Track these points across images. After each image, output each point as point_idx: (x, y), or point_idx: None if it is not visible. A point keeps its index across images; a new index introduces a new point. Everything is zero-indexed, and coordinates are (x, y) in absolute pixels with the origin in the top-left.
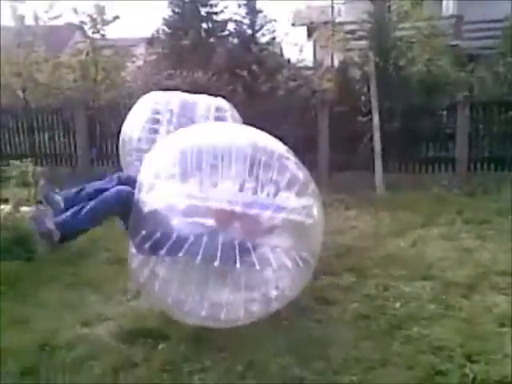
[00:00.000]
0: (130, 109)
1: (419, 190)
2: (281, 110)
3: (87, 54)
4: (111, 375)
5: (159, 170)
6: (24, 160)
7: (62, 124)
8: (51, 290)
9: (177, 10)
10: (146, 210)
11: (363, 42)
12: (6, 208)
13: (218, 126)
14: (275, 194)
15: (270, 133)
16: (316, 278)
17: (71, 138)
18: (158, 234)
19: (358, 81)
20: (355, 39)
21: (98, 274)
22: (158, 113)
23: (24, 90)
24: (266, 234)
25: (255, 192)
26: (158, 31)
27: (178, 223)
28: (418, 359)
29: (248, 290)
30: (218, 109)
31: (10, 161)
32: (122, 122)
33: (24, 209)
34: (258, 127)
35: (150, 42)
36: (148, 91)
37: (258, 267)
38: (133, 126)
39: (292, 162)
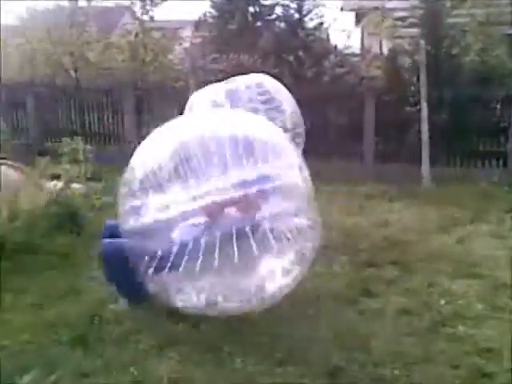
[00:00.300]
0: (177, 91)
1: (467, 185)
2: (326, 96)
3: (136, 35)
4: (155, 351)
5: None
6: (75, 138)
7: (111, 104)
8: (100, 264)
9: None
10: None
11: (414, 30)
12: (59, 184)
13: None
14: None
15: (314, 120)
16: (359, 270)
17: (119, 118)
18: (159, 255)
19: (408, 69)
20: (405, 26)
21: None
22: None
23: (76, 70)
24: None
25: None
26: (204, 14)
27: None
28: (462, 359)
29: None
30: (258, 85)
31: (62, 138)
32: (169, 104)
33: (74, 185)
34: (302, 114)
35: (197, 24)
36: (194, 74)
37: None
38: None
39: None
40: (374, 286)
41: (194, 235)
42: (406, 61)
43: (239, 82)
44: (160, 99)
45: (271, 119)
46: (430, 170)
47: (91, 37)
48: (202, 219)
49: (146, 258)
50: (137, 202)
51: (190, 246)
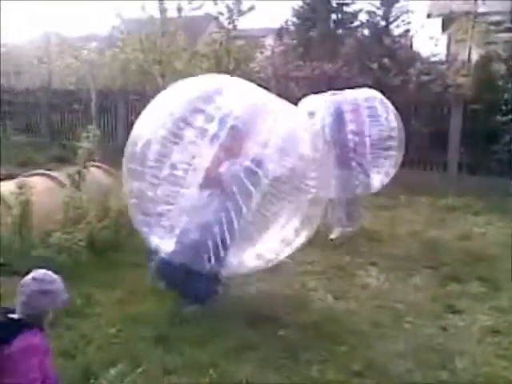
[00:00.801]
0: None
1: None
2: (411, 104)
3: (221, 43)
4: (233, 354)
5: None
6: None
7: None
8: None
9: (308, 0)
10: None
11: (509, 35)
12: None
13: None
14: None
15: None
16: (442, 284)
17: None
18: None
19: (502, 76)
20: (499, 31)
21: None
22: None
23: (163, 77)
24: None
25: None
26: (286, 22)
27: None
28: None
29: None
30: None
31: None
32: None
33: None
34: None
35: (279, 32)
36: (277, 82)
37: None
38: None
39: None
40: (458, 302)
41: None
42: (500, 67)
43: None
44: None
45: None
46: None
47: (179, 46)
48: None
49: (210, 244)
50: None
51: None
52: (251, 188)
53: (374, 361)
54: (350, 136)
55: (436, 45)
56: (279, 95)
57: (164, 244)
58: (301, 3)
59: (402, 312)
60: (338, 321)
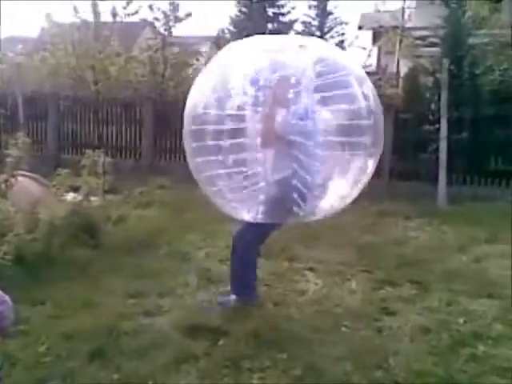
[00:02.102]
0: None
1: (484, 204)
2: None
3: (156, 50)
4: (173, 366)
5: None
6: (96, 150)
7: (130, 118)
8: (115, 278)
9: (244, 9)
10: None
11: (434, 49)
12: (78, 197)
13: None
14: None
15: None
16: (377, 287)
17: (137, 132)
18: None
19: (429, 88)
20: (425, 45)
21: (160, 266)
22: None
23: (96, 83)
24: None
25: None
26: (222, 30)
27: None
28: (483, 379)
29: None
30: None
31: (86, 150)
32: None
33: (92, 198)
34: None
35: (216, 41)
36: None
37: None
38: None
39: None
40: (392, 304)
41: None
42: (428, 80)
43: None
44: (180, 114)
45: None
46: (446, 188)
47: (113, 51)
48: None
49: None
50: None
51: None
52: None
53: (314, 365)
54: None
55: (369, 56)
56: None
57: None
58: (237, 12)
59: (340, 316)
60: (278, 327)
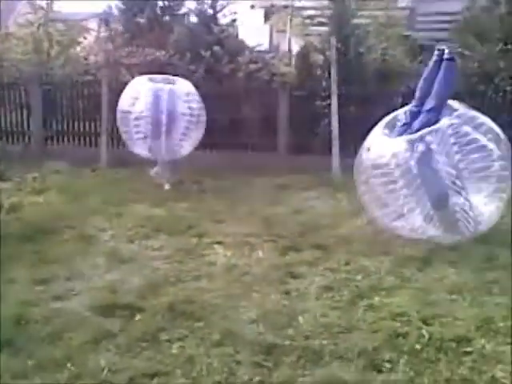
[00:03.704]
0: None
1: None
2: (241, 92)
3: (39, 26)
4: (91, 345)
5: None
6: None
7: (14, 100)
8: (18, 266)
9: None
10: None
11: (322, 28)
12: None
13: None
14: None
15: (231, 115)
16: (282, 254)
17: (23, 115)
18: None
19: (320, 66)
20: (314, 25)
21: (64, 250)
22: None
23: None
24: None
25: None
26: (110, 7)
27: None
28: (380, 324)
29: None
30: (188, 94)
31: None
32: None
33: None
34: (219, 108)
35: (104, 18)
36: (108, 68)
37: None
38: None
39: None
40: (297, 268)
41: None
42: (318, 58)
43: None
44: (68, 94)
45: None
46: (339, 160)
47: None
48: None
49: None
50: None
51: None
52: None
53: (230, 329)
54: (163, 113)
55: (261, 34)
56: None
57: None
58: None
59: (250, 283)
60: (193, 300)
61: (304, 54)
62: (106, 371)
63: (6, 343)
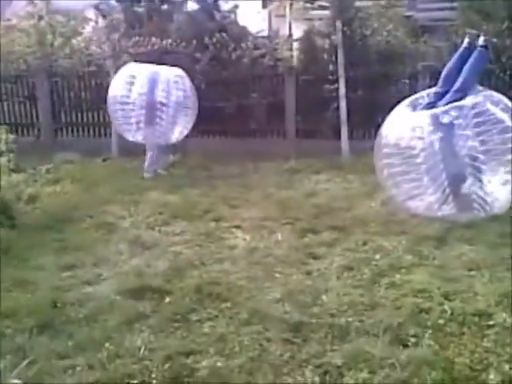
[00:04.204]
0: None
1: None
2: (247, 78)
3: (40, 17)
4: (126, 326)
5: None
6: None
7: (22, 92)
8: (43, 254)
9: None
10: None
11: (322, 12)
12: None
13: None
14: None
15: (238, 101)
16: (301, 236)
17: (31, 106)
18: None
19: (325, 50)
20: (314, 9)
21: (86, 238)
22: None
23: None
24: None
25: None
26: None
27: None
28: (403, 301)
29: None
30: (180, 80)
31: None
32: (88, 90)
33: (4, 177)
34: (226, 95)
35: (100, 7)
36: (114, 58)
37: None
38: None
39: None
40: (316, 249)
41: None
42: (324, 42)
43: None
44: (76, 85)
45: None
46: (348, 143)
47: None
48: None
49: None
50: None
51: None
52: None
53: (257, 309)
54: (158, 98)
55: (263, 20)
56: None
57: None
58: None
59: (271, 265)
60: (218, 281)
61: (309, 38)
62: (142, 350)
63: (46, 325)
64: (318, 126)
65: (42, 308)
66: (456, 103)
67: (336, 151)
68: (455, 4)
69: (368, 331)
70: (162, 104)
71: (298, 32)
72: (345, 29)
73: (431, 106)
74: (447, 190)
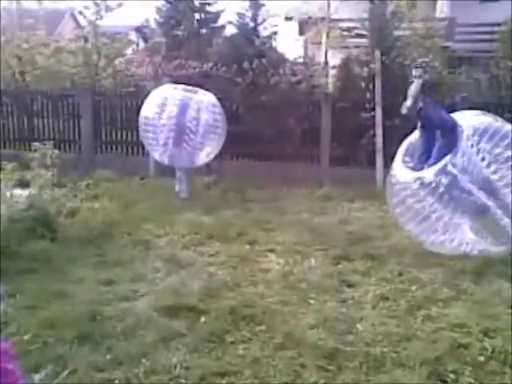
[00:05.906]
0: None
1: None
2: (284, 103)
3: (86, 39)
4: (162, 343)
5: None
6: (46, 143)
7: (67, 110)
8: (83, 268)
9: None
10: None
11: (360, 40)
12: (28, 191)
13: None
14: None
15: (275, 126)
16: (335, 264)
17: (75, 124)
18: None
19: (363, 78)
20: (352, 37)
21: (124, 254)
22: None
23: (23, 73)
24: None
25: None
26: (147, 20)
27: None
28: (440, 334)
29: None
30: (213, 105)
31: (33, 143)
32: (129, 109)
33: (48, 191)
34: (262, 119)
35: (142, 31)
36: (155, 80)
37: None
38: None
39: None
40: (350, 277)
41: None
42: (362, 70)
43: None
44: (117, 105)
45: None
46: (383, 171)
47: (40, 40)
48: None
49: None
50: None
51: None
52: None
53: (291, 334)
54: (188, 123)
55: (302, 47)
56: None
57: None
58: (163, 2)
59: (305, 290)
60: (252, 304)
61: (346, 66)
62: (178, 368)
63: (86, 337)
64: (352, 154)
65: (81, 320)
66: (449, 156)
67: (370, 179)
68: (495, 36)
69: (404, 363)
70: (191, 128)
71: (333, 59)
72: (383, 57)
73: (426, 154)
74: (475, 224)
